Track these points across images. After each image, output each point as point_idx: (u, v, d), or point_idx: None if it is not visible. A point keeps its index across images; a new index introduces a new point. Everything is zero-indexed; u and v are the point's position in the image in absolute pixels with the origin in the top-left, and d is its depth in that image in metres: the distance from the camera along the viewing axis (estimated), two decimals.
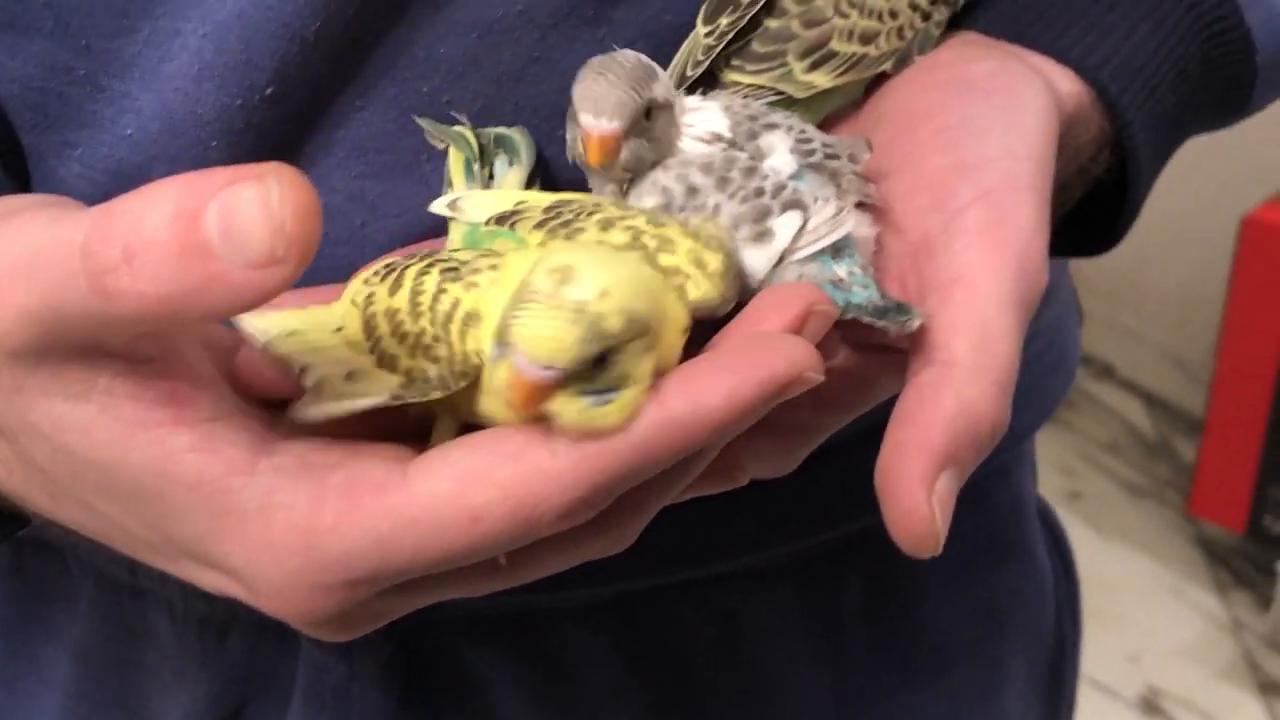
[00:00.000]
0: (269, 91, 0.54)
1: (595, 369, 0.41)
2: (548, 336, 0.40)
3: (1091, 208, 0.63)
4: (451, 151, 0.55)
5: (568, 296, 0.41)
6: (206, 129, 0.55)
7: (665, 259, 0.45)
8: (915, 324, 0.46)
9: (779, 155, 0.50)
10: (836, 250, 0.48)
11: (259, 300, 0.39)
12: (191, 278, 0.39)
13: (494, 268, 0.45)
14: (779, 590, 0.70)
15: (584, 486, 0.42)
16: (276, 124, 0.55)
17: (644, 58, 0.50)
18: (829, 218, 0.49)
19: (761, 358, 0.42)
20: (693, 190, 0.50)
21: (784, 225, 0.48)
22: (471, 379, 0.44)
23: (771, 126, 0.51)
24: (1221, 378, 1.97)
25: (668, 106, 0.50)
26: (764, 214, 0.49)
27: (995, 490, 0.76)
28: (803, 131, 0.51)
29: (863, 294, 0.47)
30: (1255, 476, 1.96)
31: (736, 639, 0.70)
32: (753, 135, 0.51)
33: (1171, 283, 2.16)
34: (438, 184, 0.55)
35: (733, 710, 0.71)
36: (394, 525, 0.42)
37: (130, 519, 0.45)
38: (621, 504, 0.44)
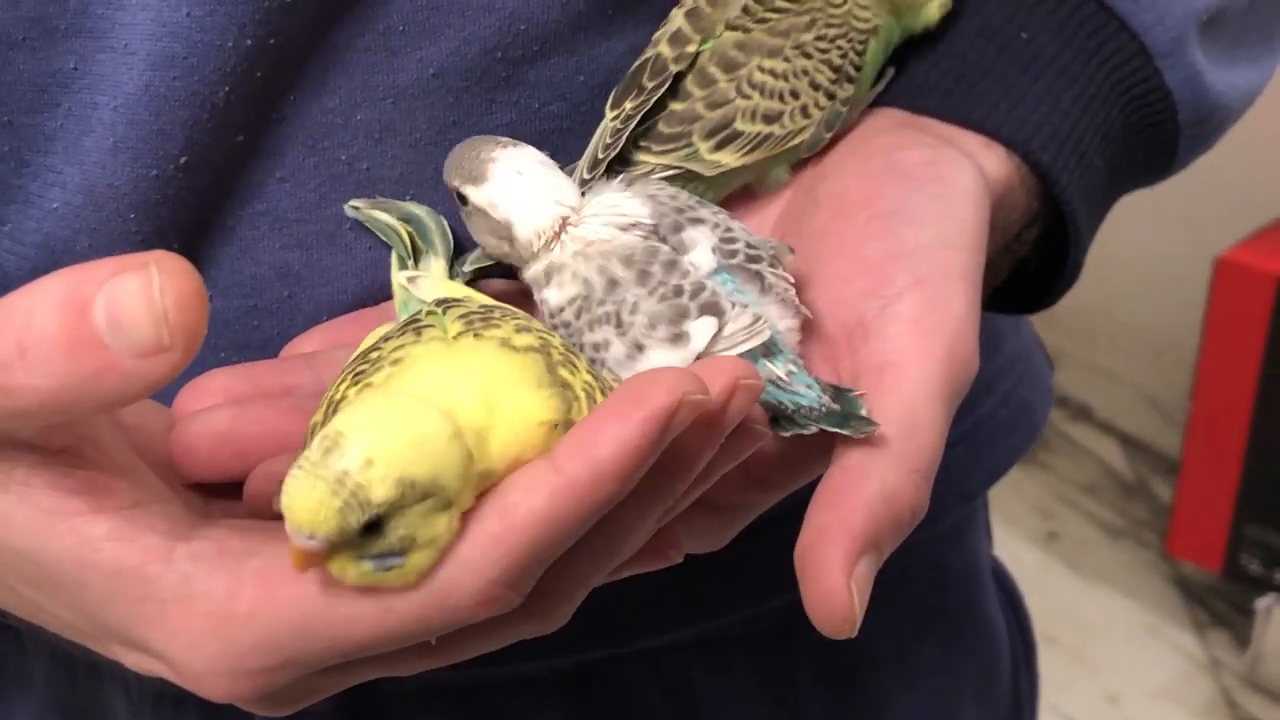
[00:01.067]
0: (183, 160, 0.54)
1: (368, 535, 0.41)
2: (307, 507, 0.40)
3: (1031, 268, 0.63)
4: (394, 253, 0.55)
5: (331, 466, 0.40)
6: (124, 201, 0.55)
7: (563, 372, 0.45)
8: (875, 430, 0.46)
9: (701, 251, 0.50)
10: (768, 350, 0.48)
11: (152, 387, 0.40)
12: (84, 369, 0.39)
13: (396, 362, 0.46)
14: (734, 660, 0.70)
15: (495, 568, 0.41)
16: (195, 196, 0.55)
17: None
18: (745, 325, 0.48)
19: (640, 397, 0.41)
20: (613, 283, 0.50)
21: (700, 329, 0.48)
22: None
23: (696, 221, 0.51)
24: (1197, 418, 1.97)
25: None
26: (681, 315, 0.49)
27: (948, 554, 0.76)
28: (728, 230, 0.51)
29: (809, 394, 0.48)
30: (1232, 516, 1.96)
31: (691, 709, 0.70)
32: (676, 227, 0.51)
33: (1146, 324, 2.17)
34: (363, 252, 0.56)
35: None
36: (306, 615, 0.43)
37: (56, 605, 0.46)
38: (545, 585, 0.44)
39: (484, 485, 0.43)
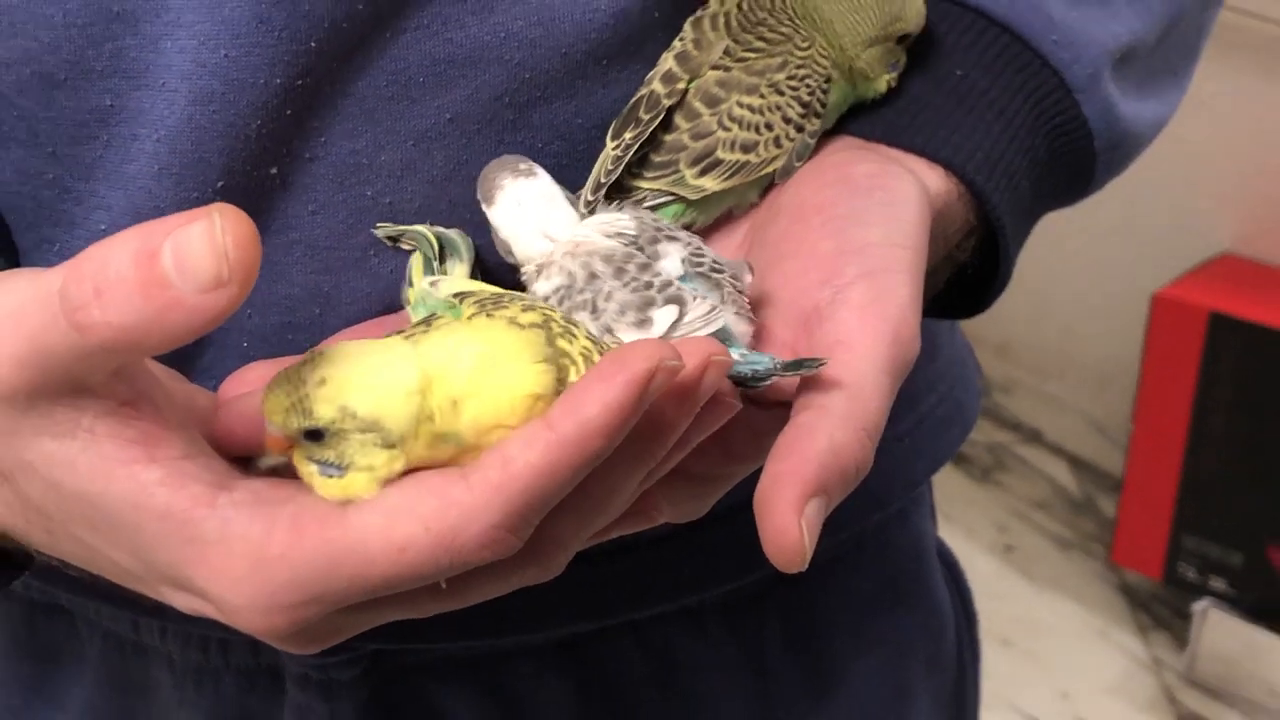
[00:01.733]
0: (220, 185, 0.55)
1: (311, 441, 0.45)
2: (270, 399, 0.45)
3: (966, 279, 0.64)
4: (415, 256, 0.56)
5: (298, 376, 0.45)
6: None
7: (561, 343, 0.47)
8: (825, 363, 0.48)
9: (671, 260, 0.52)
10: (723, 339, 0.49)
11: (212, 322, 0.41)
12: (152, 306, 0.40)
13: (424, 333, 0.47)
14: (710, 628, 0.71)
15: (497, 513, 0.43)
16: None
17: None
18: (703, 314, 0.50)
19: (623, 363, 0.43)
20: (593, 276, 0.51)
21: (662, 316, 0.50)
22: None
23: (672, 239, 0.53)
24: (1138, 441, 1.97)
25: None
26: (648, 304, 0.50)
27: (895, 533, 0.77)
28: (699, 249, 0.52)
29: (764, 360, 0.49)
30: (1170, 528, 1.95)
31: (673, 672, 0.70)
32: (654, 240, 0.53)
33: (1091, 356, 2.16)
34: (386, 275, 0.57)
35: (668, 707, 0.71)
36: (331, 555, 0.44)
37: (113, 549, 0.46)
38: (543, 534, 0.45)
39: (452, 448, 0.45)
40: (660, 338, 0.49)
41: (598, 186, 0.56)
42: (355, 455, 0.44)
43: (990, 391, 2.28)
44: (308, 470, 0.45)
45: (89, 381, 0.44)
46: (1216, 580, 1.94)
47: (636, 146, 0.56)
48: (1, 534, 0.50)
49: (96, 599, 0.66)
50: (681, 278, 0.51)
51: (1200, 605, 1.92)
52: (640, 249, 0.52)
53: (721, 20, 0.58)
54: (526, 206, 0.54)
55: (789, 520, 0.45)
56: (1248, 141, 1.94)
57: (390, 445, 0.44)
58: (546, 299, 0.53)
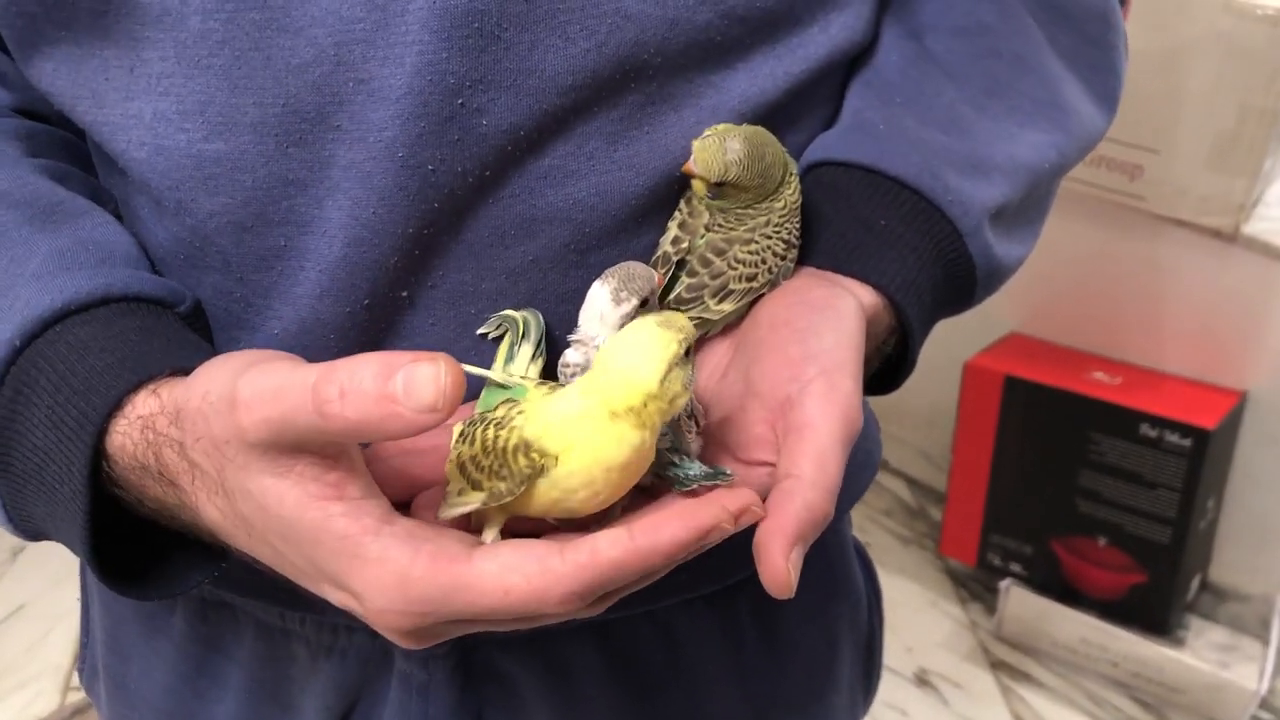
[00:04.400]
0: (366, 304, 0.55)
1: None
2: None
3: (882, 366, 0.65)
4: (504, 341, 0.56)
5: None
6: (326, 329, 0.56)
7: (646, 432, 0.46)
8: (731, 479, 0.48)
9: None
10: (671, 448, 0.50)
11: (419, 431, 0.42)
12: (381, 413, 0.41)
13: (521, 412, 0.47)
14: (701, 612, 0.71)
15: (578, 585, 0.43)
16: (375, 328, 0.56)
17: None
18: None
19: (698, 512, 0.44)
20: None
21: None
22: (528, 484, 0.46)
23: None
24: (956, 466, 1.97)
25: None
26: None
27: (828, 537, 0.77)
28: None
29: (695, 469, 0.49)
30: (981, 528, 1.96)
31: (674, 644, 0.70)
32: None
33: (923, 406, 2.17)
34: (484, 365, 0.56)
35: (675, 693, 0.71)
36: (455, 585, 0.44)
37: (295, 554, 0.46)
38: (604, 596, 0.46)
39: (558, 505, 0.45)
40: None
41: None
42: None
43: None
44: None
45: (310, 444, 0.44)
46: (1015, 565, 1.94)
47: (660, 292, 0.56)
48: (211, 532, 0.50)
49: (253, 596, 0.66)
50: None
51: (1005, 584, 1.93)
52: None
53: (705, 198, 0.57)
54: (604, 318, 0.53)
55: (780, 566, 0.45)
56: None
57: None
58: (568, 365, 0.53)
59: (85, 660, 0.81)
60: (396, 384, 0.41)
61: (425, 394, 0.41)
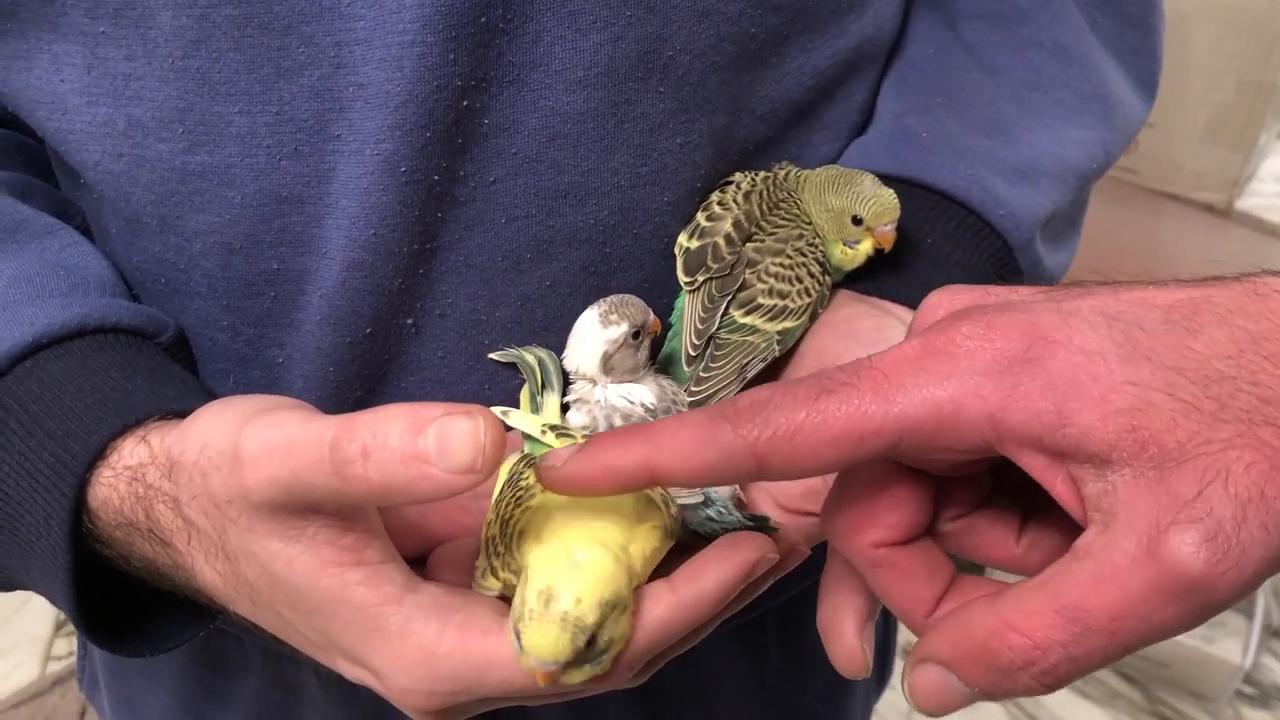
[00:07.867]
0: (368, 331, 0.52)
1: (589, 650, 0.40)
2: (546, 644, 0.39)
3: None
4: (525, 387, 0.53)
5: (554, 611, 0.39)
6: (327, 358, 0.52)
7: (668, 519, 0.44)
8: (775, 530, 0.46)
9: None
10: (706, 501, 0.47)
11: (453, 494, 0.37)
12: (410, 474, 0.37)
13: (529, 509, 0.43)
14: (728, 636, 0.69)
15: (627, 655, 0.41)
16: (377, 358, 0.53)
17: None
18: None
19: (739, 551, 0.42)
20: (611, 429, 0.48)
21: None
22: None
23: (681, 409, 0.51)
24: None
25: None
26: None
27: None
28: None
29: (730, 518, 0.46)
30: None
31: (697, 661, 0.68)
32: (667, 411, 0.51)
33: None
34: (495, 402, 0.54)
35: (694, 706, 0.70)
36: (488, 661, 0.41)
37: (306, 626, 0.43)
38: (647, 665, 0.43)
39: (636, 582, 0.42)
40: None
41: (699, 334, 0.54)
42: (614, 633, 0.40)
43: None
44: (581, 674, 0.40)
45: (325, 507, 0.40)
46: None
47: (724, 306, 0.54)
48: (208, 595, 0.46)
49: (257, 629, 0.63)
50: None
51: None
52: (654, 415, 0.50)
53: (742, 194, 0.55)
54: (589, 341, 0.52)
55: (855, 645, 0.41)
56: None
57: (626, 608, 0.40)
58: (583, 428, 0.51)
59: (84, 670, 0.79)
60: (428, 441, 0.36)
61: (462, 453, 0.36)
